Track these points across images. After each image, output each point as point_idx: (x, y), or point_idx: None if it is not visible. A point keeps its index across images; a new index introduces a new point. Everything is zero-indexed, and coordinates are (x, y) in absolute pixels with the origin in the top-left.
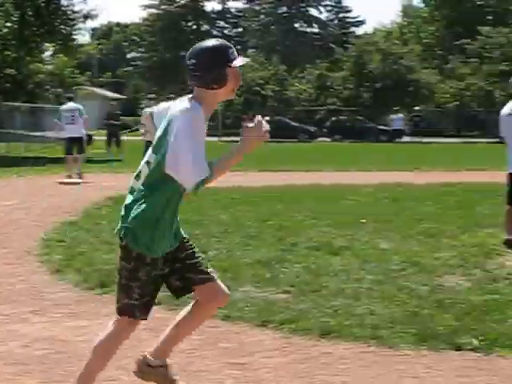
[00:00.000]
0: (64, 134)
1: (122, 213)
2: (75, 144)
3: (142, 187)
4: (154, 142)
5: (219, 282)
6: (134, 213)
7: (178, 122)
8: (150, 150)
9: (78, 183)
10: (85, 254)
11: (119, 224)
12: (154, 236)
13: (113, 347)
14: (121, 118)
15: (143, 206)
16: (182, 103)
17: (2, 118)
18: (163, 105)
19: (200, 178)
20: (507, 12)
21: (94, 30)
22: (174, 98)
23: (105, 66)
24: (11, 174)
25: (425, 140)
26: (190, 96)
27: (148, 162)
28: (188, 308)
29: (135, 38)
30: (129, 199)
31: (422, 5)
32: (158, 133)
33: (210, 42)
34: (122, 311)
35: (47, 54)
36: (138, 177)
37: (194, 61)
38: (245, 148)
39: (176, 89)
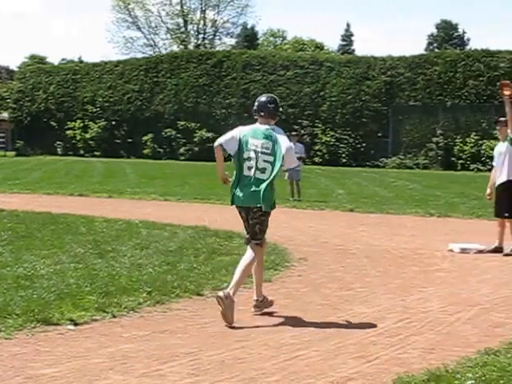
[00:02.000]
0: None
1: (257, 193)
2: None
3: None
4: (260, 153)
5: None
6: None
7: (283, 139)
8: (258, 157)
9: None
10: None
11: (250, 199)
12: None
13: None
14: None
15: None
16: (277, 129)
17: None
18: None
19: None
20: None
21: None
22: None
23: None
24: None
25: None
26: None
27: (266, 163)
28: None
29: None
30: (259, 185)
31: None
32: (268, 146)
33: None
34: (261, 243)
35: None
36: (263, 171)
37: (273, 105)
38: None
39: None
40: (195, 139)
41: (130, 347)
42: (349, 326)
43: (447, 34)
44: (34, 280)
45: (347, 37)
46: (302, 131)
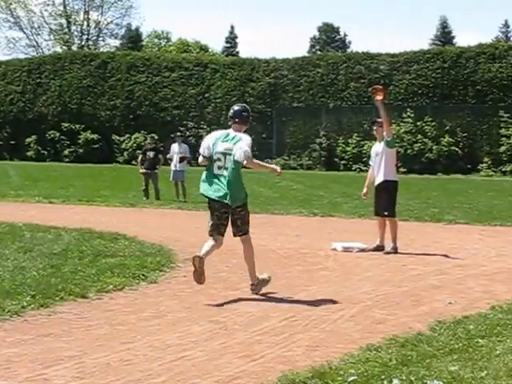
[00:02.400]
0: None
1: (225, 190)
2: None
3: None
4: (228, 155)
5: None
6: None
7: (243, 143)
8: (226, 158)
9: None
10: None
11: (228, 197)
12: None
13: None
14: None
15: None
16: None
17: None
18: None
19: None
20: None
21: None
22: None
23: None
24: None
25: None
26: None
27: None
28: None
29: None
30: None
31: None
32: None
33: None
34: (247, 232)
35: None
36: (223, 169)
37: (246, 113)
38: (268, 168)
39: None
40: (80, 141)
41: (13, 352)
42: (234, 325)
43: (329, 37)
44: None
45: (231, 39)
46: (188, 132)
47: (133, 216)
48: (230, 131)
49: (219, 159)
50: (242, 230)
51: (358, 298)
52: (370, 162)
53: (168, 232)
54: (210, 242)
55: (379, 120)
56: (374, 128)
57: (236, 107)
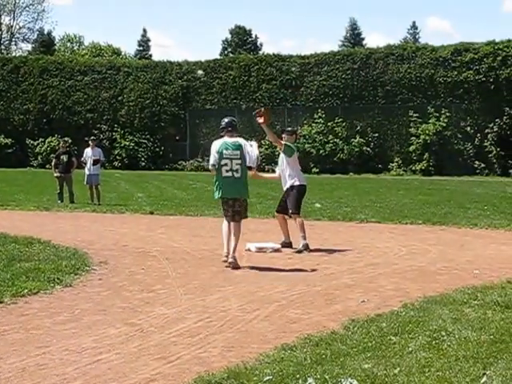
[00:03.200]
0: None
1: (239, 188)
2: None
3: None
4: (233, 159)
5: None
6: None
7: (252, 148)
8: (232, 162)
9: None
10: None
11: (235, 192)
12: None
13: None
14: None
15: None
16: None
17: None
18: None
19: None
20: None
21: None
22: None
23: None
24: None
25: None
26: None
27: (238, 166)
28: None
29: None
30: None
31: None
32: (237, 153)
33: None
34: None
35: None
36: (237, 171)
37: (235, 122)
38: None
39: None
40: None
41: None
42: (150, 327)
43: (241, 40)
44: None
45: (144, 42)
46: (101, 136)
47: (47, 220)
48: (227, 139)
49: (226, 164)
50: (243, 216)
51: (272, 298)
52: (276, 169)
53: (83, 235)
54: (227, 231)
55: (288, 129)
56: (283, 136)
57: (226, 119)
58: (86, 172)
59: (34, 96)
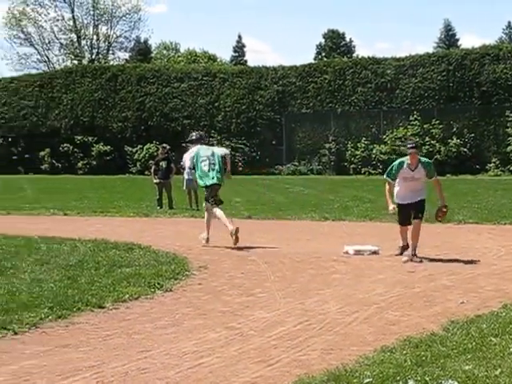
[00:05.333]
0: None
1: (219, 176)
2: None
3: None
4: (209, 158)
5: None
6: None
7: (219, 149)
8: (209, 160)
9: None
10: None
11: (217, 179)
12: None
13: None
14: None
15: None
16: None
17: None
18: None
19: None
20: None
21: None
22: None
23: None
24: None
25: None
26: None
27: (213, 162)
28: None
29: None
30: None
31: None
32: (213, 155)
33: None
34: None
35: None
36: (214, 165)
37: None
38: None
39: None
40: (93, 153)
41: (32, 363)
42: (250, 331)
43: (334, 44)
44: None
45: (239, 48)
46: None
47: (147, 225)
48: (201, 146)
49: (206, 161)
50: (221, 201)
51: (371, 300)
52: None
53: (182, 240)
54: (220, 212)
55: (413, 144)
56: (411, 151)
57: (201, 133)
58: (185, 177)
59: (132, 103)
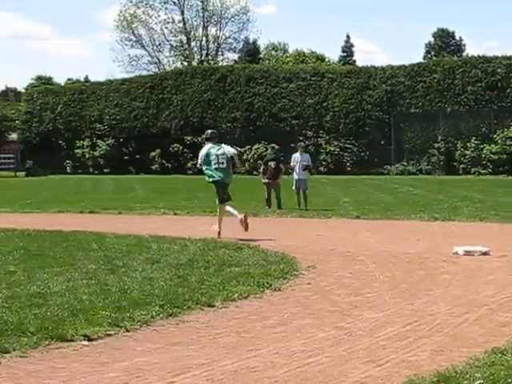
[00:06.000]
0: None
1: (226, 174)
2: None
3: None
4: (219, 156)
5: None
6: (229, 173)
7: (228, 148)
8: (218, 158)
9: None
10: None
11: (223, 176)
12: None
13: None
14: None
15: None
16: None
17: None
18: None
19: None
20: None
21: None
22: None
23: None
24: None
25: None
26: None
27: (223, 160)
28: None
29: None
30: (225, 170)
31: None
32: (222, 153)
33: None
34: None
35: None
36: (222, 164)
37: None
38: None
39: None
40: None
41: (144, 360)
42: (358, 331)
43: (444, 42)
44: (47, 297)
45: (348, 48)
46: (307, 141)
47: (254, 225)
48: (212, 145)
49: (215, 159)
50: (229, 197)
51: (481, 302)
52: None
53: (290, 240)
54: (229, 207)
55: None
56: None
57: (209, 131)
58: (295, 177)
59: (241, 104)
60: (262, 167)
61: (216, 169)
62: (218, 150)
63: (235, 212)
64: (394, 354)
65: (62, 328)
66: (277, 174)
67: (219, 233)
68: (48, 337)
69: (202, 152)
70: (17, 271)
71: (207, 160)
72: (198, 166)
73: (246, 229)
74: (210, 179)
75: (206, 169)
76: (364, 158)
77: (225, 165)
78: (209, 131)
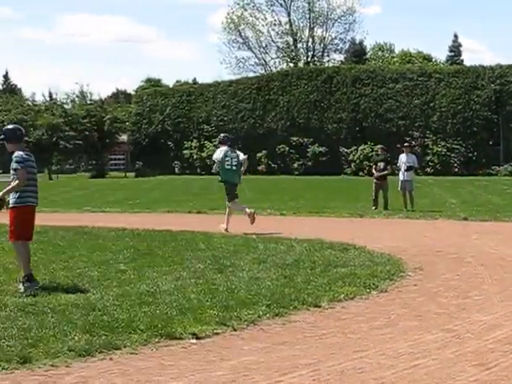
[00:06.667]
0: None
1: (237, 175)
2: None
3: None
4: (234, 159)
5: None
6: (240, 175)
7: (241, 154)
8: (232, 160)
9: None
10: None
11: (235, 177)
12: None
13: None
14: None
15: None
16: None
17: None
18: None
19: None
20: None
21: None
22: None
23: None
24: None
25: None
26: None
27: (236, 163)
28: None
29: None
30: (237, 172)
31: None
32: (236, 156)
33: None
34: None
35: None
36: (235, 166)
37: (227, 138)
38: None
39: None
40: (308, 154)
41: (250, 359)
42: (466, 333)
43: None
44: (156, 296)
45: (455, 48)
46: (413, 142)
47: (361, 226)
48: (227, 148)
49: (229, 162)
50: (237, 195)
51: None
52: None
53: (396, 241)
54: (237, 204)
55: None
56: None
57: (221, 135)
58: (401, 178)
59: (347, 105)
60: (374, 167)
61: (229, 170)
62: (233, 153)
63: (243, 207)
64: (504, 358)
65: (170, 326)
66: (385, 174)
67: (227, 229)
68: (157, 334)
69: (220, 154)
70: (127, 270)
71: (223, 161)
72: (213, 169)
73: (253, 222)
74: (223, 178)
75: (222, 169)
76: (472, 159)
77: (238, 167)
78: (222, 135)
